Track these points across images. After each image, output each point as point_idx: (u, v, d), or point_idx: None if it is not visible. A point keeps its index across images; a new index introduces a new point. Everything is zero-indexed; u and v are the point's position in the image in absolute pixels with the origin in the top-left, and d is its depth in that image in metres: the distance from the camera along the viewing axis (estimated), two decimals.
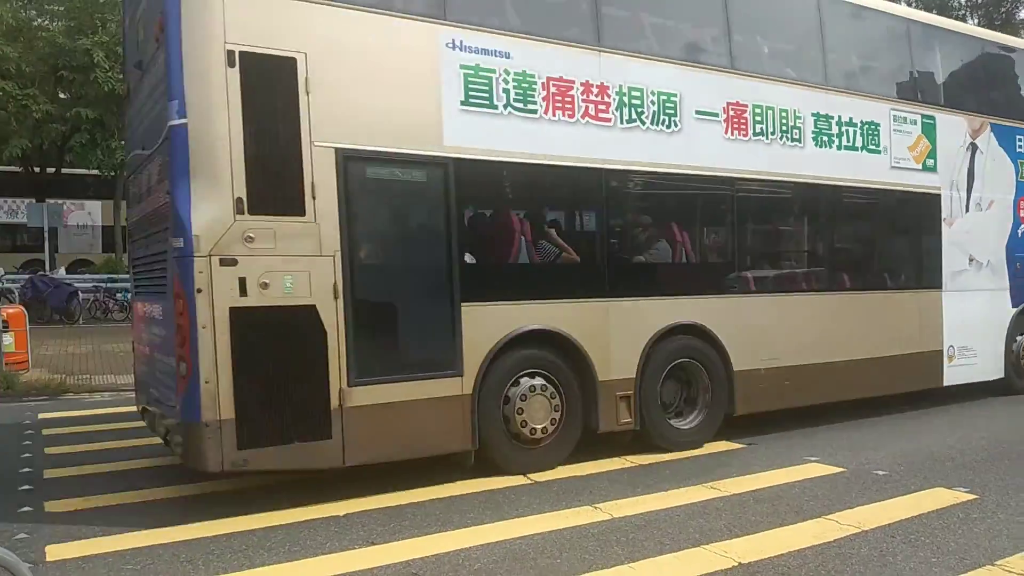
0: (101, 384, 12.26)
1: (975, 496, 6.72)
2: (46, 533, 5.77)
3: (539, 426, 7.35)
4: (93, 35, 21.51)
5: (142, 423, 9.51)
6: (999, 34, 13.59)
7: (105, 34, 21.48)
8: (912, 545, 5.60)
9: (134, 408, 10.49)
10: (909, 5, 23.23)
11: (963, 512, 6.34)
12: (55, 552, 5.40)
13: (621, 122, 7.85)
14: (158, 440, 8.57)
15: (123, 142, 21.78)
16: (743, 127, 8.68)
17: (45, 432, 9.12)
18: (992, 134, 11.46)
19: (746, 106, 8.69)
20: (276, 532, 5.78)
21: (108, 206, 27.64)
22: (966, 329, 11.03)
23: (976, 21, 22.72)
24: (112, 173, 24.41)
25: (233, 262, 5.82)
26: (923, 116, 10.52)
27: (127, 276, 23.61)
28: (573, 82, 7.55)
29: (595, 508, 6.36)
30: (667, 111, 8.13)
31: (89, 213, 31.68)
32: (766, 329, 8.93)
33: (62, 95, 23.33)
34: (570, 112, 7.53)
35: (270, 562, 5.27)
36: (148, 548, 5.47)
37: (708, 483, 7.05)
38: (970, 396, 11.80)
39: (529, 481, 7.12)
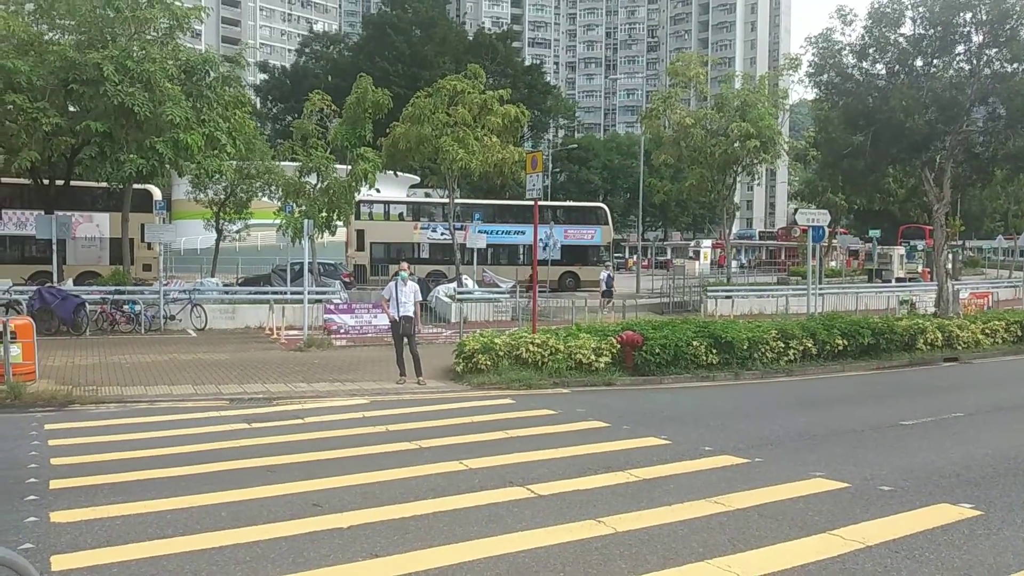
0: (108, 395, 12.28)
1: (980, 512, 6.71)
2: (51, 544, 5.79)
3: None
4: (103, 49, 21.64)
5: (148, 434, 9.57)
6: None
7: (115, 48, 21.63)
8: (916, 561, 5.59)
9: (140, 419, 10.58)
10: (913, 22, 23.24)
11: (968, 528, 6.33)
12: (60, 562, 5.42)
13: None
14: (161, 452, 8.63)
15: (132, 155, 21.94)
16: None
17: (51, 443, 9.15)
18: None
19: None
20: (280, 544, 5.80)
21: (116, 218, 27.70)
22: None
23: (981, 39, 22.73)
24: (120, 186, 24.54)
25: None
26: None
27: (134, 288, 23.84)
28: None
29: (598, 522, 6.35)
30: None
31: (97, 225, 31.85)
32: None
33: (72, 108, 23.46)
34: None
35: (274, 574, 5.28)
36: (153, 559, 5.49)
37: (712, 498, 7.04)
38: (970, 411, 11.79)
39: (533, 494, 7.13)
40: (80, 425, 10.27)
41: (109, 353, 17.02)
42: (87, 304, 20.97)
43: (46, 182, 26.42)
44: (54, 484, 7.35)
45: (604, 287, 29.16)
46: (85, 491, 7.12)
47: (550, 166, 71.76)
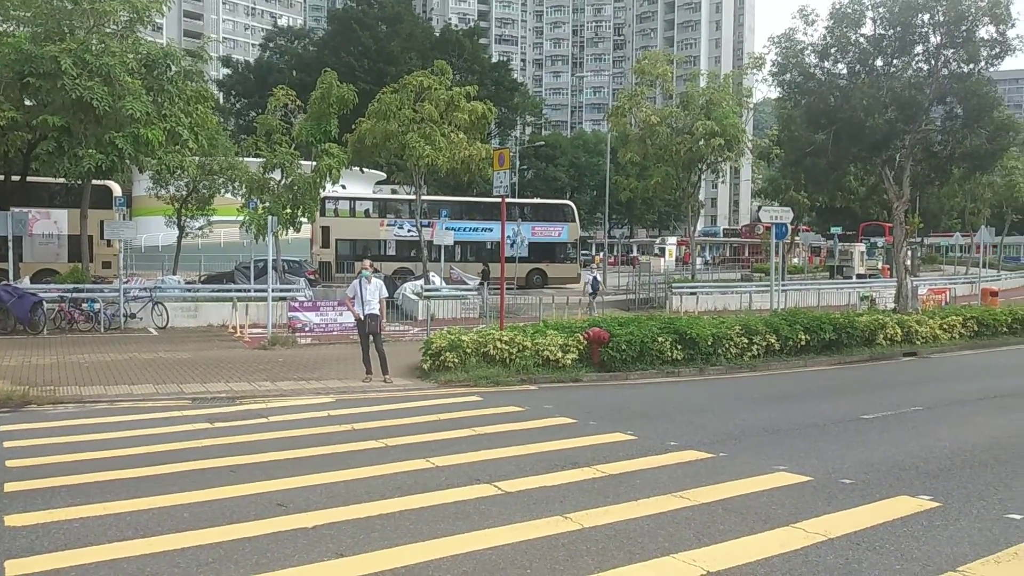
0: (66, 396, 12.02)
1: (938, 504, 6.85)
2: (6, 548, 5.64)
3: None
4: (60, 42, 21.16)
5: (108, 435, 9.38)
6: None
7: (73, 41, 21.16)
8: (877, 552, 5.69)
9: (99, 420, 10.37)
10: (874, 22, 23.60)
11: (927, 520, 6.45)
12: (15, 567, 5.28)
13: None
14: (121, 453, 8.48)
15: (90, 150, 21.48)
16: None
17: (6, 444, 8.93)
18: None
19: None
20: (243, 545, 5.72)
21: (75, 215, 27.15)
22: None
23: (939, 39, 23.16)
24: (79, 181, 24.05)
25: None
26: None
27: (93, 286, 23.38)
28: None
29: (565, 518, 6.37)
30: None
31: (55, 222, 31.18)
32: None
33: (28, 102, 22.92)
34: None
35: (237, 575, 5.21)
36: (112, 562, 5.38)
37: (677, 493, 7.09)
38: (929, 404, 12.04)
39: (500, 492, 7.12)
40: (37, 426, 10.04)
41: (67, 352, 16.67)
42: (44, 302, 20.51)
43: (1, 178, 25.77)
44: (9, 487, 7.17)
45: (591, 288, 29.11)
46: (42, 494, 6.96)
47: (517, 163, 71.77)
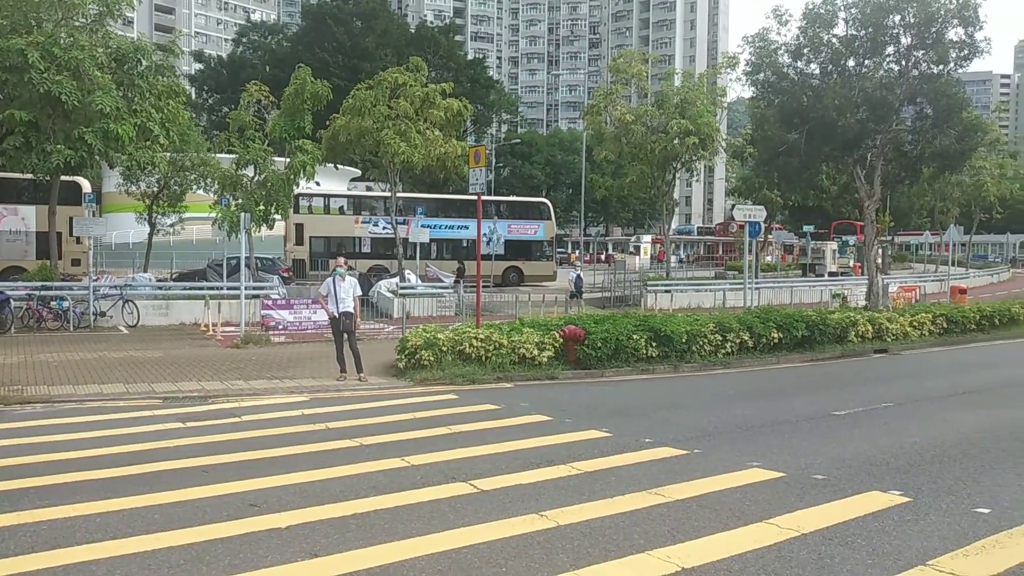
0: (34, 395, 11.82)
1: (908, 499, 6.94)
2: None
3: None
4: (28, 35, 20.79)
5: (77, 435, 9.23)
6: None
7: (41, 34, 20.79)
8: (849, 547, 5.75)
9: (68, 420, 10.21)
10: (846, 23, 23.87)
11: (897, 514, 6.54)
12: None
13: None
14: (90, 453, 8.35)
15: (59, 146, 21.11)
16: None
17: None
18: None
19: None
20: (216, 546, 5.65)
21: (43, 211, 26.74)
22: None
23: (910, 40, 23.47)
24: (47, 177, 23.67)
25: None
26: None
27: (62, 284, 23.01)
28: None
29: (541, 516, 6.37)
30: None
31: (23, 219, 30.72)
32: None
33: None
34: None
35: None
36: (82, 564, 5.30)
37: (652, 490, 7.12)
38: (899, 400, 12.21)
39: (475, 490, 7.10)
40: (4, 427, 9.85)
41: (35, 351, 16.39)
42: (11, 300, 20.16)
43: None
44: None
45: (573, 288, 28.95)
46: (9, 495, 6.83)
47: (493, 161, 71.73)
